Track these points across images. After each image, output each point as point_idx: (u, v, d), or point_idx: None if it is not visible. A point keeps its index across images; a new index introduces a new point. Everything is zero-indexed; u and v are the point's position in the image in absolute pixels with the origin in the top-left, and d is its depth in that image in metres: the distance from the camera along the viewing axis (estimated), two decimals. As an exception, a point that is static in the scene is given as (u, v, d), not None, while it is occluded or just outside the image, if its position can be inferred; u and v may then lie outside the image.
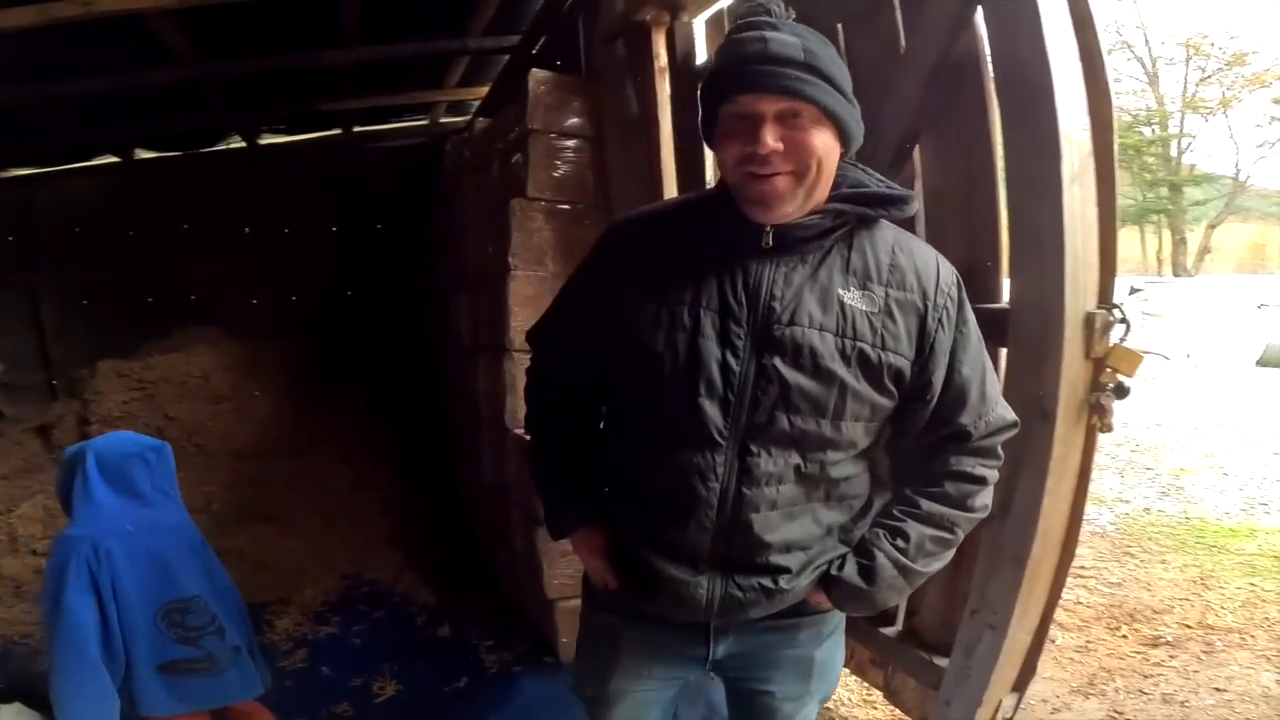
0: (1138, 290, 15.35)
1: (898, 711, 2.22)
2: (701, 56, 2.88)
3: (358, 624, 3.11)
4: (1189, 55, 25.68)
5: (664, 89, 2.92)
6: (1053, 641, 2.79)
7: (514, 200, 2.95)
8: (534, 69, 3.17)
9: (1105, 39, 1.53)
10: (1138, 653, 2.72)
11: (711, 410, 1.09)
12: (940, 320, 1.12)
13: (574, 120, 3.11)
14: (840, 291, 1.09)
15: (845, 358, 1.08)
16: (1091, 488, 5.19)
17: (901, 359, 1.10)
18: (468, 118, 5.52)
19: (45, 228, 5.27)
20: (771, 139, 1.03)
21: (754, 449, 1.10)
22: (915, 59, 1.81)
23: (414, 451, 4.54)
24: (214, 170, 5.57)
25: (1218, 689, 2.49)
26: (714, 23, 2.82)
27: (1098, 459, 5.56)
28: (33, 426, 4.64)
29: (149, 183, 5.44)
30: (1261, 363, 12.41)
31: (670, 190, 2.90)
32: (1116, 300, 1.50)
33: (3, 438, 4.58)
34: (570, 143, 3.10)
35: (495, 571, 3.43)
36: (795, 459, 1.11)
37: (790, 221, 1.09)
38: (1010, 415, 1.20)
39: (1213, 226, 26.56)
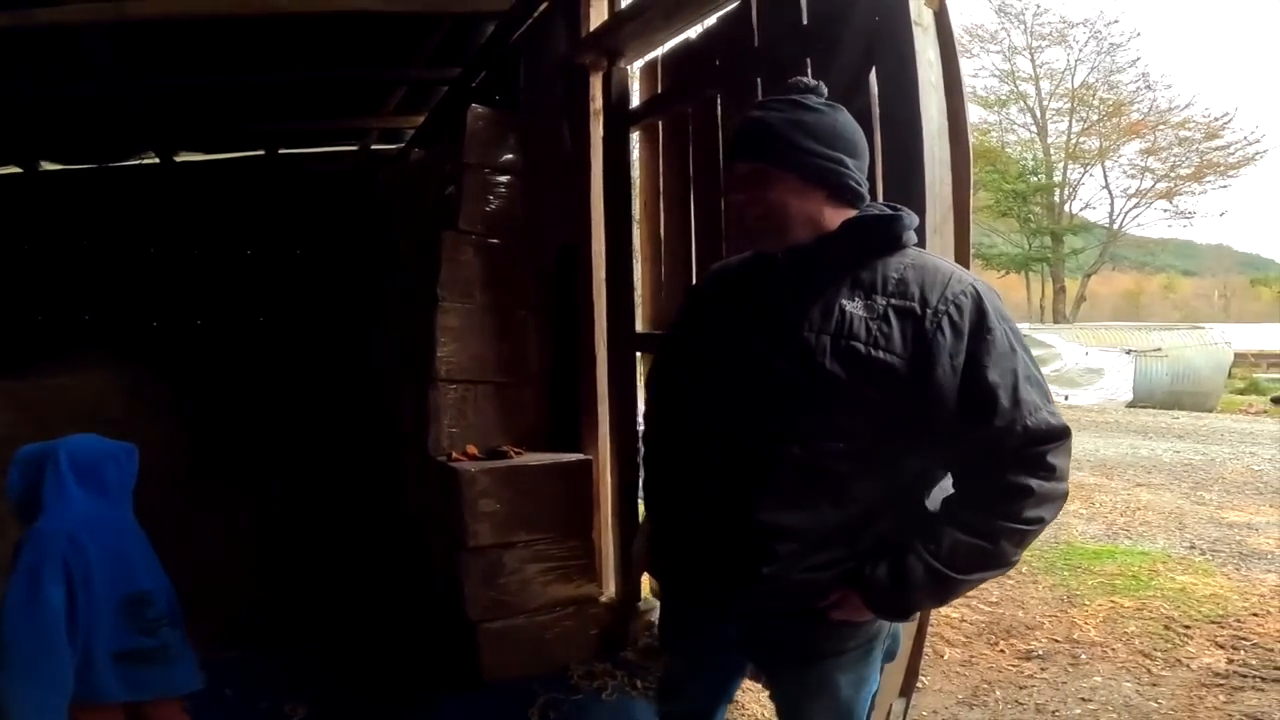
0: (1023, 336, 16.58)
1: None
2: (635, 101, 3.04)
3: (265, 647, 3.02)
4: (1073, 106, 28.00)
5: (597, 130, 3.05)
6: (940, 656, 3.03)
7: (445, 232, 3.03)
8: (473, 104, 3.26)
9: (969, 100, 1.76)
10: (1014, 665, 2.99)
11: (735, 406, 1.31)
12: (940, 324, 1.21)
13: (509, 156, 3.22)
14: (844, 302, 1.26)
15: (838, 354, 1.23)
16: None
17: (893, 357, 1.22)
18: (400, 146, 5.55)
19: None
20: (739, 194, 1.35)
21: (760, 437, 1.28)
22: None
23: (328, 479, 4.47)
24: (123, 185, 5.38)
25: (1084, 699, 2.75)
26: (648, 69, 2.99)
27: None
28: (-93, 447, 4.31)
29: (52, 195, 5.20)
30: (1131, 404, 13.67)
31: (598, 228, 3.04)
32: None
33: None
34: (504, 178, 3.21)
35: (415, 595, 3.42)
36: (795, 449, 1.25)
37: (799, 249, 1.32)
38: (1057, 423, 1.20)
39: (1088, 275, 28.57)
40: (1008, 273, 29.98)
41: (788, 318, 1.29)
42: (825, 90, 1.39)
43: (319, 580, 3.63)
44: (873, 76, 1.88)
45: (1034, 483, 1.19)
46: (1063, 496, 1.22)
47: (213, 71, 3.94)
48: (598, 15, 3.09)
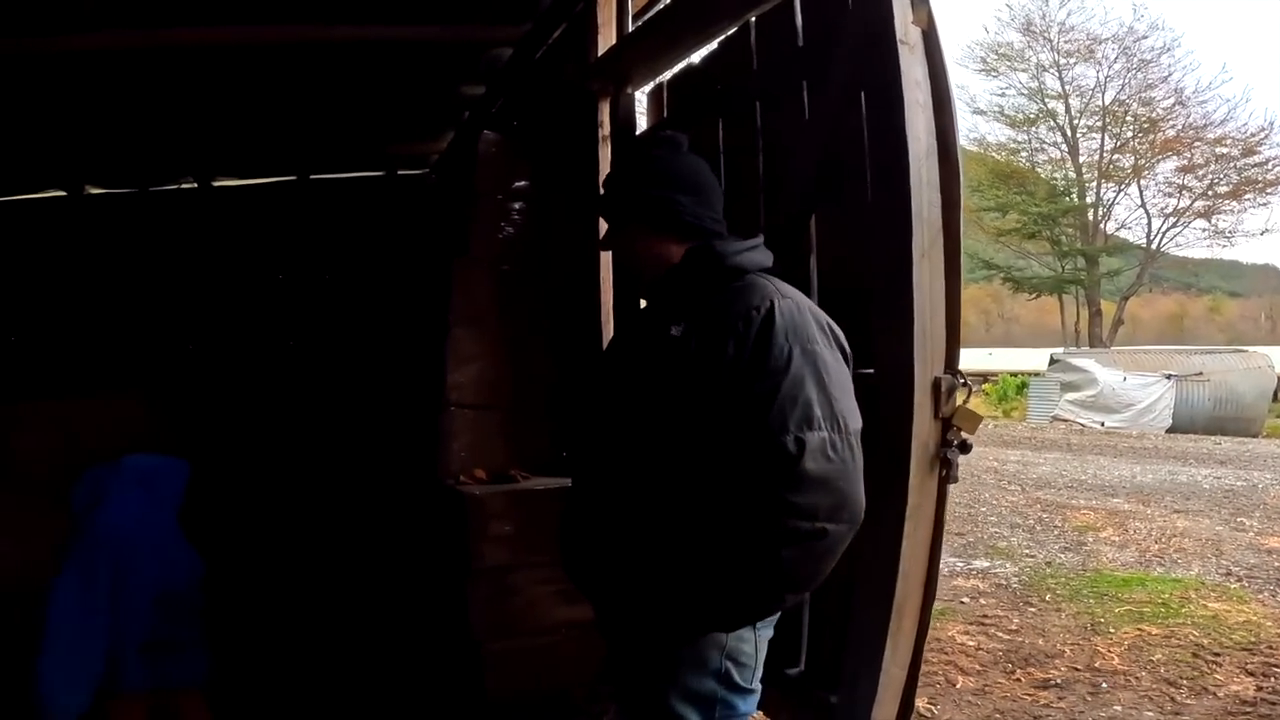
0: (1056, 361, 16.19)
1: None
2: (641, 127, 3.06)
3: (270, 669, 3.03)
4: (1105, 123, 27.31)
5: (606, 156, 3.04)
6: (953, 685, 2.96)
7: (457, 259, 3.08)
8: (485, 131, 3.33)
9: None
10: (1029, 695, 2.90)
11: (595, 445, 1.47)
12: (731, 339, 1.25)
13: (521, 183, 3.26)
14: (674, 331, 1.32)
15: (659, 377, 1.32)
16: (1001, 544, 5.47)
17: (700, 371, 1.26)
18: (425, 171, 5.67)
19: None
20: (606, 249, 1.56)
21: (610, 467, 1.39)
22: (810, 138, 1.98)
23: (351, 505, 4.51)
24: (162, 210, 5.55)
25: (1102, 728, 2.68)
26: (654, 95, 3.01)
27: (1011, 519, 5.87)
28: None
29: (95, 219, 5.40)
30: (1171, 430, 13.25)
31: (605, 258, 3.06)
32: (961, 367, 1.67)
33: None
34: (515, 204, 3.26)
35: (420, 618, 3.43)
36: (630, 479, 1.33)
37: (649, 288, 1.47)
38: (806, 452, 1.14)
39: (1126, 298, 27.46)
40: (1039, 295, 29.20)
41: (628, 353, 1.45)
42: (682, 138, 1.51)
43: (328, 606, 3.66)
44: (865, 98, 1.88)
45: (787, 522, 1.14)
46: (815, 536, 1.15)
47: (247, 96, 4.08)
48: (605, 42, 3.14)
